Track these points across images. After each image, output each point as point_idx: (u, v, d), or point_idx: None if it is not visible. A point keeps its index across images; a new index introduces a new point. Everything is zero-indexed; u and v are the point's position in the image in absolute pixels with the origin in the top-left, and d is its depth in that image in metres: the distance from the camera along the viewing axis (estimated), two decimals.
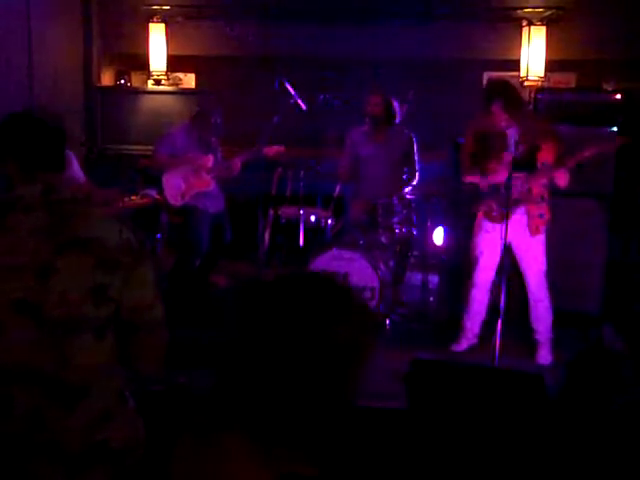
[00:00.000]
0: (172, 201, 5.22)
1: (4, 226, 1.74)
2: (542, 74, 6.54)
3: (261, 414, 1.17)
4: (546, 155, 4.14)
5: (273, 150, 5.26)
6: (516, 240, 4.26)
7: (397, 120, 5.23)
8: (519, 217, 4.23)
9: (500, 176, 4.16)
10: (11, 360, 1.71)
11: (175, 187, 5.20)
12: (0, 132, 1.84)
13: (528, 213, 4.23)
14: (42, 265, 1.71)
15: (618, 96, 5.33)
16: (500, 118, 4.12)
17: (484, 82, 6.81)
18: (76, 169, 5.06)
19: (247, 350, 1.21)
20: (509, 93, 4.14)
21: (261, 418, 1.16)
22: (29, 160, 1.82)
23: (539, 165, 4.16)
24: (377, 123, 5.16)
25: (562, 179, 4.10)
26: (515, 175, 4.08)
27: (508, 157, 4.11)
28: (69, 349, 1.72)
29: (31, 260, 1.71)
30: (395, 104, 5.18)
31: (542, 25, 6.54)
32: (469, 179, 4.38)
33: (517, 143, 4.07)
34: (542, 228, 4.25)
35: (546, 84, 6.51)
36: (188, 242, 5.26)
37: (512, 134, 4.14)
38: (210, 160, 5.23)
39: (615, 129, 5.07)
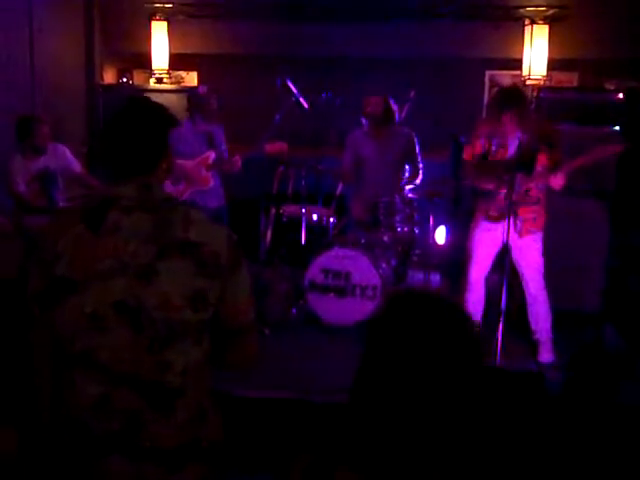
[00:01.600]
0: None
1: (104, 227, 1.70)
2: (544, 73, 6.54)
3: (374, 452, 1.17)
4: (544, 158, 4.16)
5: (275, 147, 5.26)
6: (512, 241, 4.27)
7: (396, 120, 5.24)
8: (512, 219, 4.24)
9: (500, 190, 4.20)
10: (112, 361, 1.68)
11: (173, 185, 5.21)
12: (103, 131, 1.81)
13: (519, 215, 4.23)
14: (143, 267, 1.68)
15: (620, 95, 5.33)
16: (509, 127, 4.12)
17: (486, 81, 6.82)
18: (72, 161, 5.10)
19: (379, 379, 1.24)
20: (521, 104, 4.14)
21: (374, 457, 1.17)
22: (121, 162, 1.78)
23: (537, 168, 4.17)
24: (377, 123, 5.17)
25: (557, 183, 4.12)
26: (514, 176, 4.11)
27: (509, 159, 4.12)
28: (168, 353, 1.70)
29: (132, 262, 1.68)
30: (393, 104, 5.19)
31: (544, 24, 6.54)
32: (470, 181, 4.39)
33: (519, 146, 4.10)
34: (533, 230, 4.26)
35: (548, 83, 6.51)
36: None
37: (515, 138, 4.15)
38: (211, 156, 5.23)
39: (617, 128, 5.07)
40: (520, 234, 4.24)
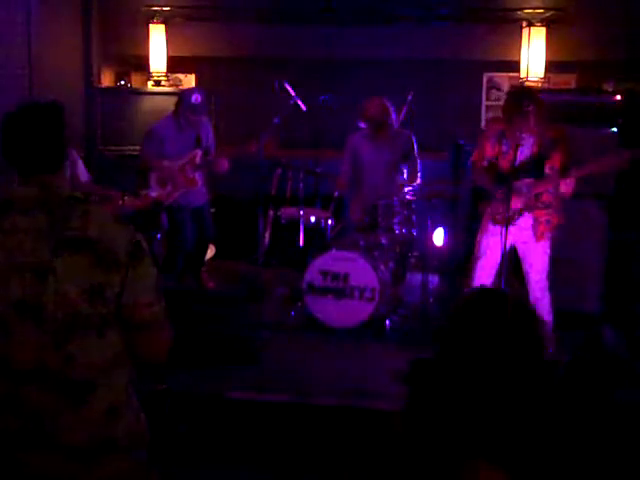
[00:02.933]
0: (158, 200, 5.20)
1: (3, 228, 1.74)
2: (542, 75, 6.55)
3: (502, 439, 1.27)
4: (554, 163, 4.16)
5: (252, 147, 5.11)
6: (521, 243, 4.27)
7: (395, 122, 5.24)
8: (526, 220, 4.23)
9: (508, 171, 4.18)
10: (17, 360, 1.72)
11: (161, 187, 5.19)
12: (2, 133, 1.83)
13: (535, 218, 4.24)
14: (40, 265, 1.72)
15: (618, 97, 5.33)
16: (524, 126, 4.08)
17: (484, 83, 6.83)
18: (81, 168, 5.08)
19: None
20: (539, 102, 4.14)
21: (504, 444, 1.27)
22: (24, 163, 1.82)
23: (546, 172, 4.18)
24: (376, 126, 5.17)
25: (567, 187, 4.13)
26: (523, 181, 4.11)
27: (517, 159, 4.11)
28: (72, 347, 1.74)
29: (29, 261, 1.72)
30: (391, 107, 5.19)
31: (542, 26, 6.55)
32: (479, 182, 4.40)
33: (530, 152, 4.11)
34: (547, 234, 4.27)
35: (546, 85, 6.51)
36: (173, 240, 5.25)
37: (526, 141, 4.15)
38: (197, 155, 5.19)
39: (615, 130, 5.07)
40: (537, 237, 4.24)
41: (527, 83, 6.52)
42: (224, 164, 5.21)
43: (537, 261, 4.31)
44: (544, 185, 4.18)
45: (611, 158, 4.18)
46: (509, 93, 4.44)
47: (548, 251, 4.31)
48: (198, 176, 5.24)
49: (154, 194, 5.16)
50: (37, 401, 1.73)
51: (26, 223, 1.74)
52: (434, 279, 5.58)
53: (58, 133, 1.86)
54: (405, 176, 5.25)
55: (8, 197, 1.79)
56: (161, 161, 5.17)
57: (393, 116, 5.21)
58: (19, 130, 1.83)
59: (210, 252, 5.70)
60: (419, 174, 5.24)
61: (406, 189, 5.14)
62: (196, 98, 5.14)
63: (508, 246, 4.18)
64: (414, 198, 5.15)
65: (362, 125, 5.24)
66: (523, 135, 4.08)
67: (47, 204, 1.77)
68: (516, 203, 4.14)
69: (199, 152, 5.18)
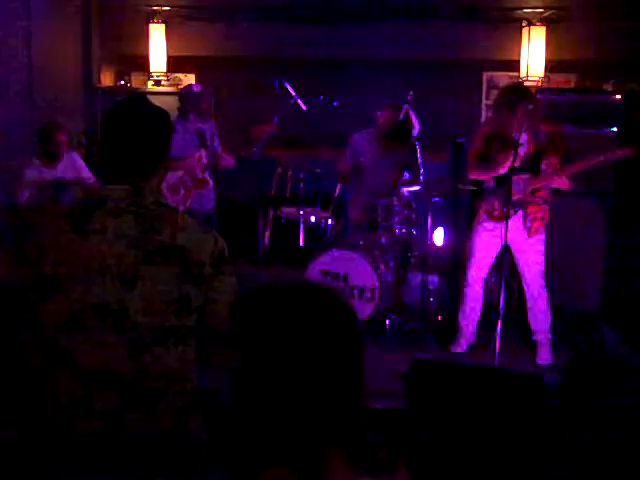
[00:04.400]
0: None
1: (90, 228, 1.69)
2: (542, 74, 6.54)
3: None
4: (550, 160, 4.17)
5: (263, 129, 5.16)
6: (515, 241, 4.26)
7: (414, 135, 5.09)
8: (518, 218, 4.23)
9: (504, 169, 4.17)
10: (93, 363, 1.68)
11: (174, 193, 5.22)
12: (102, 127, 1.79)
13: (529, 215, 4.24)
14: (128, 272, 1.68)
15: (618, 96, 5.33)
16: (518, 123, 4.08)
17: (484, 82, 6.83)
18: (84, 169, 5.10)
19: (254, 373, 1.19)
20: (532, 99, 4.15)
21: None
22: (118, 164, 1.77)
23: (543, 168, 4.18)
24: (387, 138, 5.10)
25: (564, 184, 4.15)
26: (518, 177, 4.11)
27: (514, 156, 4.12)
28: (150, 357, 1.70)
29: (116, 265, 1.67)
30: (414, 119, 5.02)
31: (542, 25, 6.54)
32: (474, 175, 4.40)
33: (525, 150, 4.12)
34: (541, 230, 4.27)
35: (546, 84, 6.51)
36: None
37: (521, 138, 4.15)
38: (203, 156, 5.20)
39: (615, 129, 5.08)
40: (529, 233, 4.24)
41: (527, 83, 6.52)
42: (230, 160, 5.24)
43: (532, 259, 4.31)
44: (540, 181, 4.19)
45: (606, 154, 4.18)
46: (502, 90, 4.45)
47: (543, 248, 4.31)
48: (207, 176, 5.27)
49: (170, 202, 5.19)
50: (108, 405, 1.68)
51: (116, 226, 1.69)
52: (434, 279, 5.58)
53: (160, 139, 1.82)
54: (407, 176, 5.25)
55: (101, 195, 1.74)
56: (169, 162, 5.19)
57: (414, 130, 5.05)
58: (122, 130, 1.78)
59: None
60: (421, 178, 5.22)
61: (406, 190, 5.14)
62: (196, 87, 5.27)
63: (502, 245, 4.19)
64: (414, 197, 5.15)
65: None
66: (516, 133, 4.09)
67: (137, 208, 1.72)
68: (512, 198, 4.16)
69: (203, 152, 5.20)
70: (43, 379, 1.70)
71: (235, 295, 1.81)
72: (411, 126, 5.04)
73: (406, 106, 4.97)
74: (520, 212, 4.23)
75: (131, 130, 1.78)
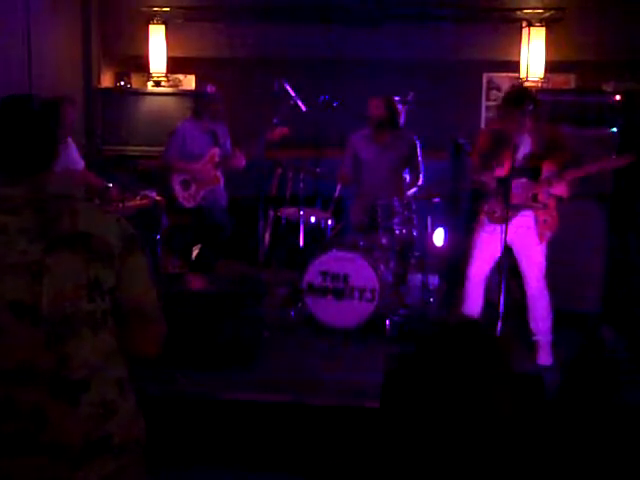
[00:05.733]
0: (185, 203, 5.34)
1: None
2: (542, 75, 6.55)
3: None
4: (550, 165, 4.18)
5: (276, 133, 5.31)
6: (518, 243, 4.28)
7: (401, 123, 5.23)
8: (523, 220, 4.24)
9: (505, 170, 4.18)
10: (11, 361, 1.71)
11: (186, 188, 5.31)
12: None
13: (535, 219, 4.26)
14: (33, 265, 1.71)
15: (618, 97, 5.33)
16: (518, 127, 4.10)
17: (484, 83, 6.83)
18: (75, 156, 5.10)
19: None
20: (533, 103, 4.15)
21: None
22: (10, 164, 1.79)
23: (543, 173, 4.19)
24: (379, 127, 5.16)
25: (562, 190, 4.16)
26: (518, 180, 4.12)
27: (515, 159, 4.13)
28: (68, 346, 1.73)
29: (22, 260, 1.71)
30: (399, 107, 5.19)
31: (542, 26, 6.55)
32: (476, 176, 4.41)
33: (526, 152, 4.11)
34: (547, 234, 4.27)
35: (546, 85, 6.52)
36: (214, 227, 5.39)
37: (523, 141, 4.15)
38: (216, 153, 5.32)
39: (615, 130, 5.07)
40: (539, 238, 4.26)
41: (527, 83, 6.53)
42: (241, 159, 5.33)
43: (533, 261, 4.31)
44: (538, 187, 4.20)
45: (610, 160, 4.21)
46: (506, 93, 4.46)
47: (544, 251, 4.31)
48: (219, 174, 5.36)
49: (181, 198, 5.31)
50: (31, 403, 1.71)
51: (16, 223, 1.72)
52: (434, 279, 5.58)
53: (48, 131, 1.83)
54: (407, 179, 5.26)
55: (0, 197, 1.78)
56: (182, 163, 5.30)
57: (400, 116, 5.21)
58: (5, 128, 1.80)
59: (196, 250, 5.75)
60: (421, 178, 5.23)
61: (409, 191, 5.15)
62: (211, 88, 5.44)
63: (504, 245, 4.20)
64: (414, 198, 5.16)
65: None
66: (519, 136, 4.09)
67: (36, 203, 1.75)
68: (511, 201, 4.16)
69: (217, 150, 5.30)
70: None
71: (147, 275, 1.84)
72: (397, 112, 5.18)
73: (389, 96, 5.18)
74: (520, 213, 4.23)
75: (19, 129, 1.80)
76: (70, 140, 5.09)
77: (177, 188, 5.33)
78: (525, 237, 4.28)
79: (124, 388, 1.84)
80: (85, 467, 1.74)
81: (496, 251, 4.29)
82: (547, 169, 4.19)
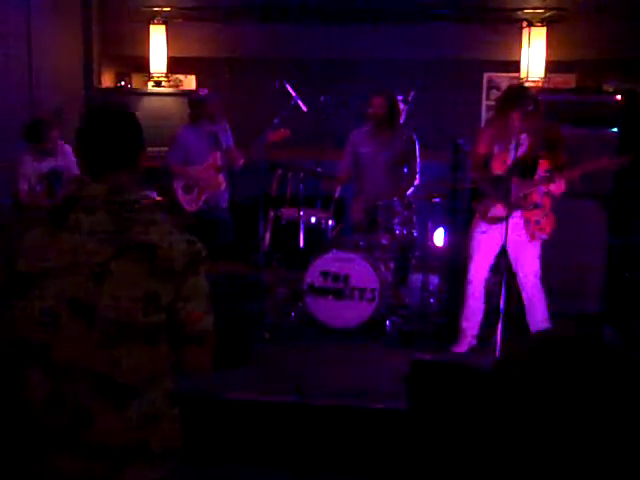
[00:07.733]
0: (187, 207, 5.35)
1: (66, 225, 1.75)
2: (542, 75, 6.55)
3: None
4: (546, 165, 4.17)
5: (277, 135, 5.30)
6: (511, 243, 4.27)
7: (401, 120, 5.25)
8: (515, 221, 4.23)
9: (502, 169, 4.19)
10: (64, 357, 1.73)
11: (188, 192, 5.32)
12: (78, 130, 1.84)
13: (525, 219, 4.25)
14: (98, 267, 1.72)
15: (618, 97, 5.33)
16: (516, 127, 4.10)
17: (484, 83, 6.83)
18: (73, 161, 5.13)
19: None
20: (530, 103, 4.14)
21: None
22: (95, 159, 1.82)
23: (539, 173, 4.19)
24: (379, 124, 5.17)
25: (557, 189, 4.16)
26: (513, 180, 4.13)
27: (510, 160, 4.13)
28: (119, 351, 1.73)
29: (88, 261, 1.72)
30: (398, 104, 5.20)
31: (542, 26, 6.55)
32: (475, 175, 4.43)
33: (522, 151, 4.11)
34: (539, 235, 4.27)
35: (546, 85, 6.51)
36: (215, 229, 5.38)
37: (520, 139, 4.15)
38: (218, 158, 5.31)
39: (615, 130, 5.07)
40: (530, 238, 4.25)
41: (527, 83, 6.52)
42: (239, 159, 5.33)
43: (527, 262, 4.32)
44: (531, 187, 4.20)
45: (607, 160, 4.20)
46: (505, 91, 4.46)
47: (538, 252, 4.31)
48: (222, 178, 5.37)
49: (183, 201, 5.33)
50: (80, 400, 1.73)
51: (90, 222, 1.75)
52: (434, 279, 5.58)
53: (132, 135, 1.86)
54: (405, 177, 5.25)
55: (75, 194, 1.80)
56: (185, 168, 5.34)
57: (400, 115, 5.22)
58: (95, 130, 1.83)
59: None
60: (417, 176, 5.22)
61: (407, 191, 5.15)
62: (202, 91, 5.45)
63: (500, 245, 4.21)
64: (414, 198, 5.16)
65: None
66: (517, 135, 4.09)
67: (112, 205, 1.77)
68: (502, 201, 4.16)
69: (219, 154, 5.30)
70: (18, 375, 1.76)
71: (205, 299, 1.84)
72: (398, 109, 5.20)
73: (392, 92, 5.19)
74: (516, 215, 4.23)
75: (106, 128, 1.83)
76: (67, 146, 5.12)
77: (180, 192, 5.35)
78: (519, 239, 4.28)
79: (171, 400, 1.85)
80: (123, 471, 1.76)
81: (493, 250, 4.31)
82: (542, 169, 4.19)
